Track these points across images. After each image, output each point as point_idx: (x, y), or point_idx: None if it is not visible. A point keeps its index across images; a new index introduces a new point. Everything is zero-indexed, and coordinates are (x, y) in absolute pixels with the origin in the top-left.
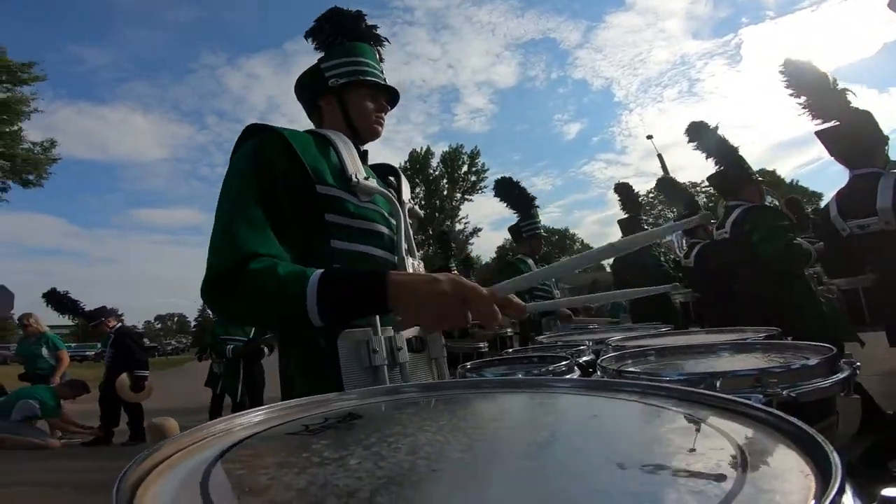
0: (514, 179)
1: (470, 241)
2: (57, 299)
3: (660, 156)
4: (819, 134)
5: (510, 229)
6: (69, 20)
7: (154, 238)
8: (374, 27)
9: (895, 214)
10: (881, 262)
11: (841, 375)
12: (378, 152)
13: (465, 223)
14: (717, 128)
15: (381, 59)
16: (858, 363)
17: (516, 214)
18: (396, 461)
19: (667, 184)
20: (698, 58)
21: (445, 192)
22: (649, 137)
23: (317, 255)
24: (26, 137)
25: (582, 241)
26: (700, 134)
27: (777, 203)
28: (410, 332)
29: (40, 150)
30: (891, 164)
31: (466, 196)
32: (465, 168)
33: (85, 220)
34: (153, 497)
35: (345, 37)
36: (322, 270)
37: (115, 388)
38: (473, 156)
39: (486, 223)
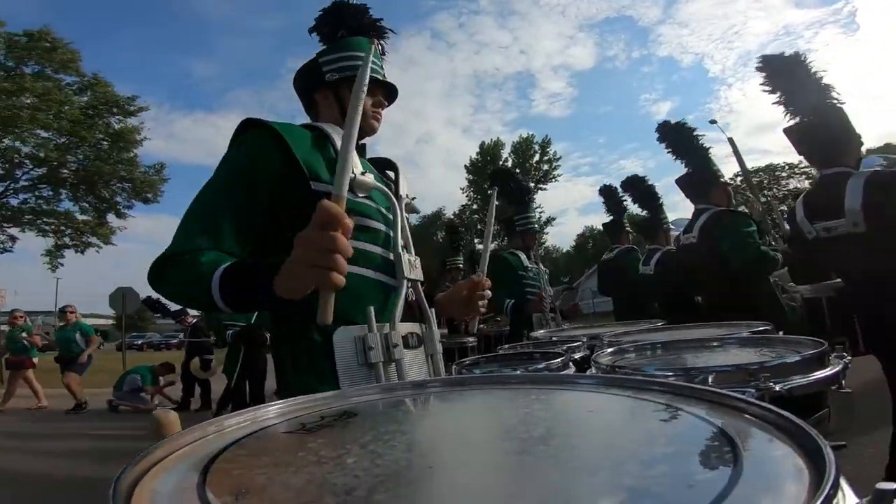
0: (511, 171)
1: (545, 231)
2: (151, 304)
3: (731, 140)
4: (787, 131)
5: (502, 221)
6: (172, 37)
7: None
8: (378, 20)
9: (864, 216)
10: (847, 268)
11: (832, 370)
12: (457, 141)
13: (540, 212)
14: (691, 129)
15: (384, 53)
16: (850, 358)
17: (511, 206)
18: (393, 459)
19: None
20: (805, 27)
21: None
22: (712, 122)
23: None
24: (141, 162)
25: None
26: (671, 134)
27: (751, 207)
28: (406, 329)
29: (153, 171)
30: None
31: (540, 185)
32: (536, 157)
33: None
34: (150, 497)
35: (346, 30)
36: (233, 261)
37: (190, 368)
38: (545, 144)
39: (571, 209)
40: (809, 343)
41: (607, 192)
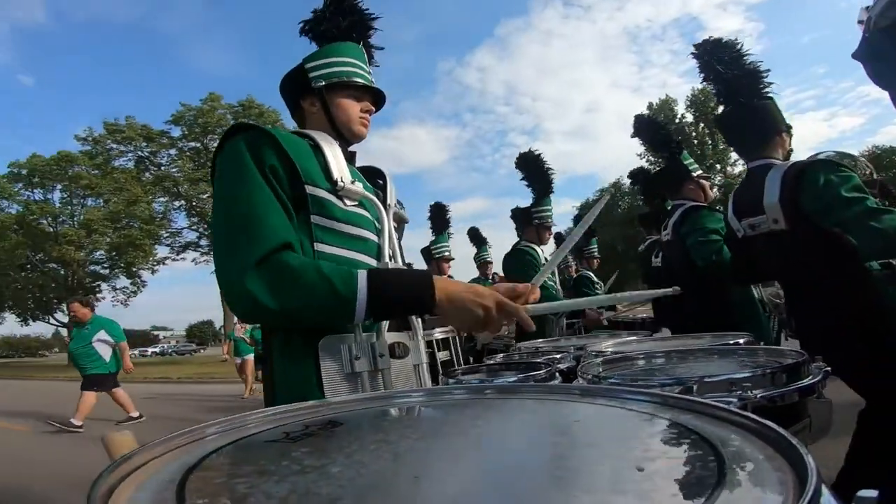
0: (540, 157)
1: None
2: None
3: None
4: (716, 120)
5: (515, 211)
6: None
7: (458, 227)
8: (370, 18)
9: (783, 213)
10: (774, 270)
11: (812, 379)
12: (628, 103)
13: (741, 164)
14: (661, 123)
15: (373, 54)
16: (829, 367)
17: (531, 193)
18: (379, 469)
19: None
20: None
21: (697, 139)
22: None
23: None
24: None
25: None
26: (644, 129)
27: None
28: (392, 338)
29: None
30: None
31: None
32: (721, 108)
33: (410, 224)
34: None
35: (336, 32)
36: (368, 270)
37: None
38: None
39: (801, 149)
40: (790, 353)
41: (643, 180)
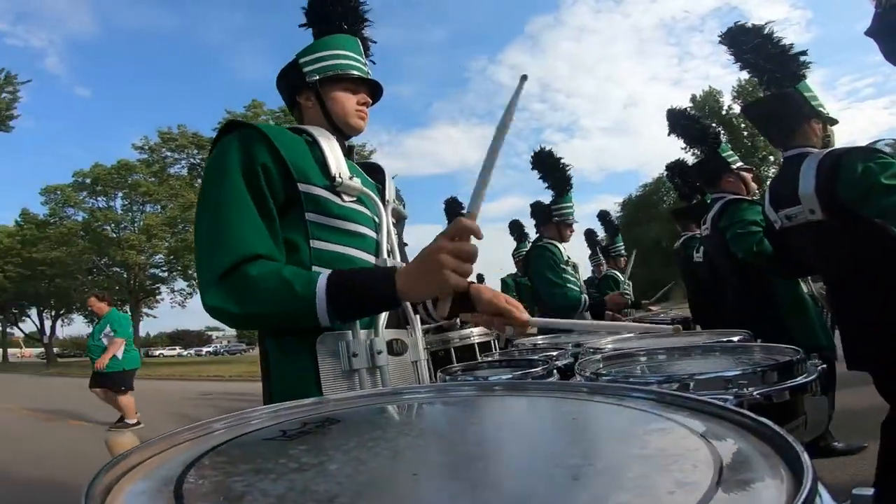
0: (555, 155)
1: None
2: None
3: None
4: (744, 110)
5: (534, 206)
6: (372, 71)
7: (495, 226)
8: (363, 9)
9: (819, 202)
10: (813, 263)
11: (808, 377)
12: (668, 96)
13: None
14: (696, 117)
15: (369, 47)
16: (824, 364)
17: (550, 191)
18: (377, 466)
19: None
20: None
21: (746, 131)
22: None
23: (296, 255)
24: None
25: None
26: (678, 124)
27: None
28: (390, 335)
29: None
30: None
31: None
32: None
33: (447, 222)
34: (123, 503)
35: (329, 24)
36: (329, 273)
37: None
38: None
39: (861, 140)
40: (786, 351)
41: (679, 172)
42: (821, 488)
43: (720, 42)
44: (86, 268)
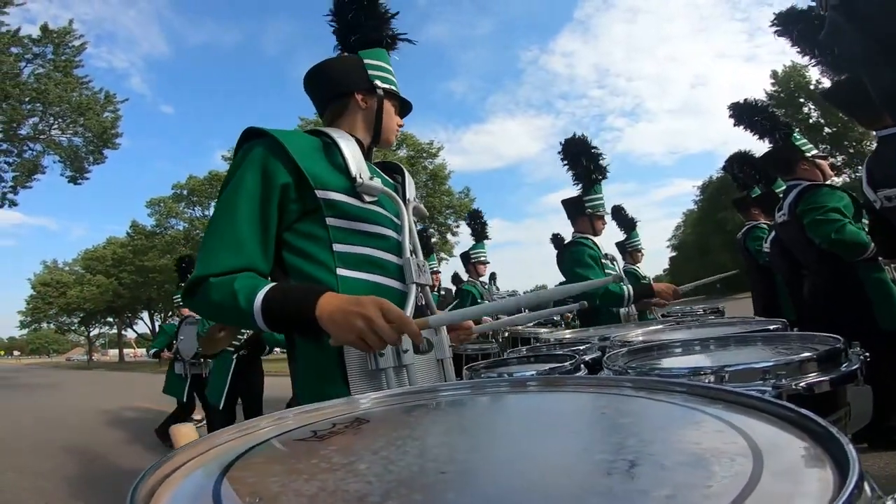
0: (587, 141)
1: None
2: None
3: None
4: (825, 96)
5: (566, 202)
6: (424, 67)
7: (555, 220)
8: (393, 28)
9: None
10: None
11: (850, 366)
12: (742, 73)
13: None
14: (765, 105)
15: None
16: (867, 353)
17: (577, 185)
18: (405, 465)
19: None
20: None
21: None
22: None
23: (319, 260)
24: (452, 189)
25: None
26: (746, 113)
27: None
28: None
29: (461, 197)
30: None
31: None
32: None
33: (513, 215)
34: None
35: (373, 38)
36: (270, 286)
37: None
38: None
39: None
40: (826, 340)
41: (738, 163)
42: (868, 480)
43: (774, 30)
44: None
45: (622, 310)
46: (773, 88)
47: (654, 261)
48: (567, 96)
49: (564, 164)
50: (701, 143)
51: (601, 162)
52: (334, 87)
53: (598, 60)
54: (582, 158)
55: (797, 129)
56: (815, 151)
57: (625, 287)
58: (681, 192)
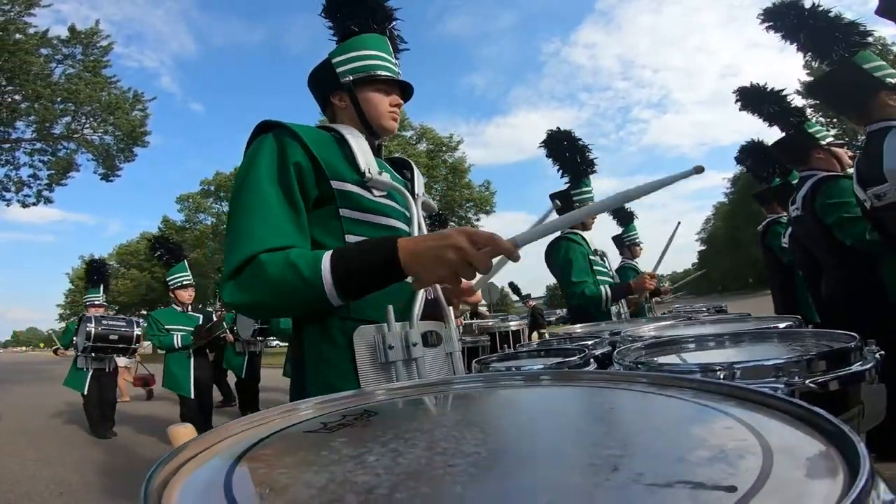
0: (572, 134)
1: None
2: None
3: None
4: (812, 93)
5: (554, 196)
6: (443, 63)
7: None
8: (390, 9)
9: None
10: None
11: (864, 364)
12: (775, 62)
13: None
14: (775, 91)
15: (398, 47)
16: (882, 351)
17: (565, 179)
18: (414, 457)
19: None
20: None
21: None
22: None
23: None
24: (472, 183)
25: None
26: (751, 103)
27: None
28: (425, 327)
29: (481, 191)
30: None
31: None
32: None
33: (537, 208)
34: (179, 498)
35: (357, 26)
36: (332, 251)
37: None
38: None
39: None
40: (840, 337)
41: (751, 153)
42: (879, 479)
43: (762, 23)
44: (216, 267)
45: (612, 308)
46: (809, 79)
47: (684, 255)
48: (591, 88)
49: (548, 158)
50: (732, 135)
51: (588, 155)
52: (317, 97)
53: (622, 52)
54: (566, 152)
55: (810, 117)
56: (830, 139)
57: (602, 288)
58: (711, 185)
